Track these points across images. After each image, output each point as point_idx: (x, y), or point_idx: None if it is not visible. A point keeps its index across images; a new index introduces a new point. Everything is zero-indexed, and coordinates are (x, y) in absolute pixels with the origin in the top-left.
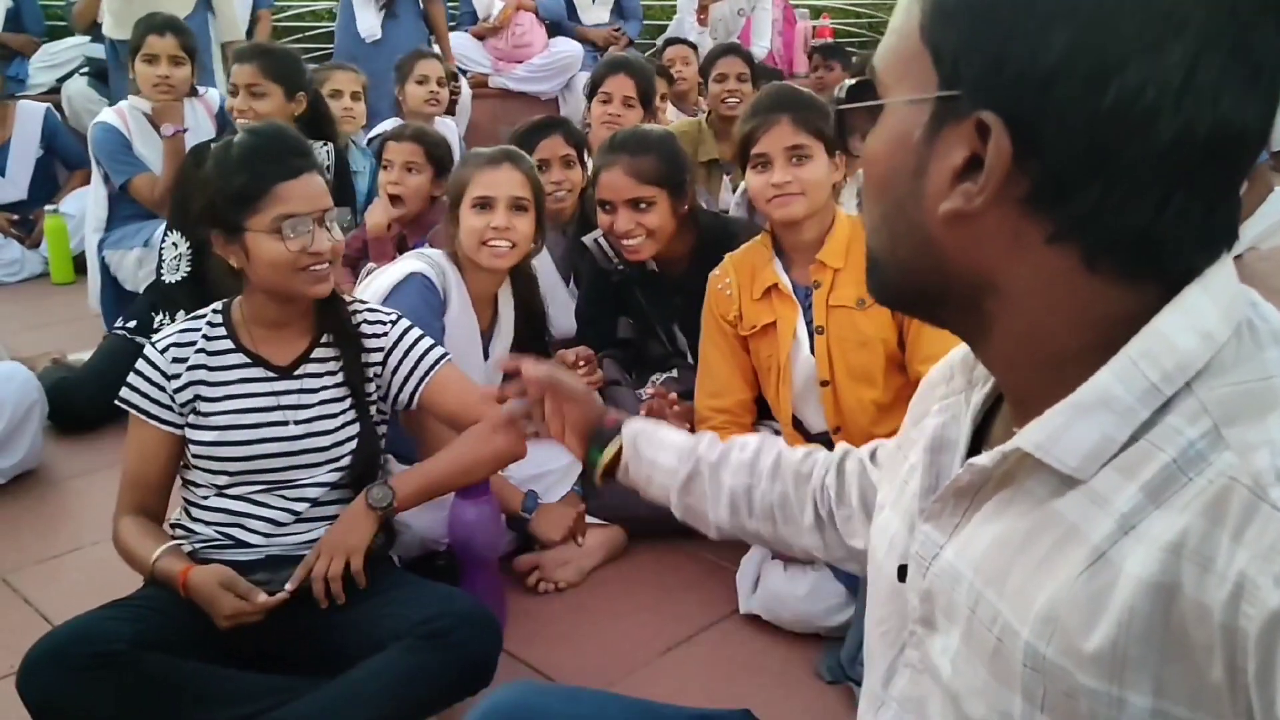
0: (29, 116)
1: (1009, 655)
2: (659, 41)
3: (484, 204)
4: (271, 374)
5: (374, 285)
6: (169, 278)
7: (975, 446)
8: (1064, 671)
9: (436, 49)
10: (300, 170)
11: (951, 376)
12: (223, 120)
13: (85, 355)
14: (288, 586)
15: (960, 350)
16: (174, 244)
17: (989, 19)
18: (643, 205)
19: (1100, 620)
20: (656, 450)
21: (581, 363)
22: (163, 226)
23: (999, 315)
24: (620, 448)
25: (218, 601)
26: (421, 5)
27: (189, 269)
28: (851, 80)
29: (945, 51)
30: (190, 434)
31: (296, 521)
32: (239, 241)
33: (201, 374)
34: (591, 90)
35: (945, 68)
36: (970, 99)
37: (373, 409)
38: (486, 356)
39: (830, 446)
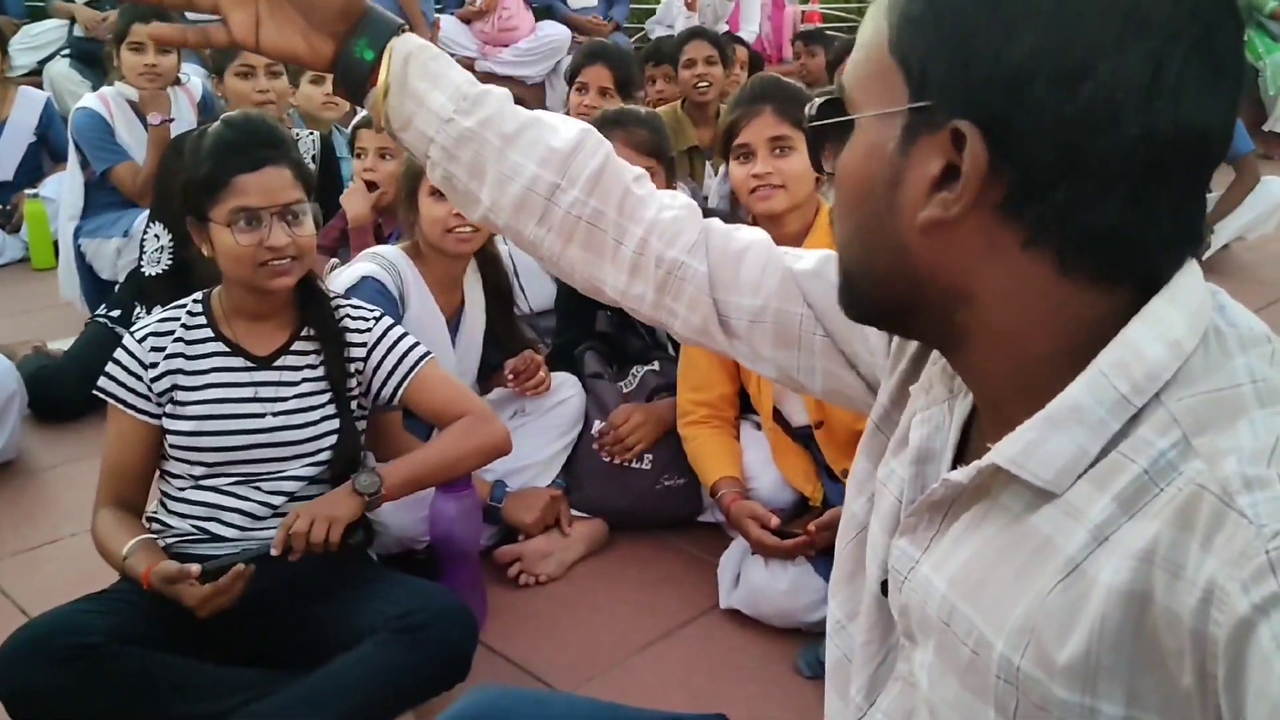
0: (29, 102)
1: (982, 668)
2: (646, 25)
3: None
4: (250, 364)
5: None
6: (149, 270)
7: (961, 456)
8: (1037, 683)
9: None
10: (263, 162)
11: (930, 386)
12: (205, 109)
13: (66, 343)
14: (273, 552)
15: (940, 360)
16: (156, 235)
17: (955, 25)
18: None
19: (1074, 631)
20: (428, 83)
21: (516, 373)
22: (143, 216)
23: (972, 325)
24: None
25: (181, 594)
26: None
27: (170, 261)
28: (820, 98)
29: (914, 62)
30: (168, 424)
31: (273, 516)
32: (206, 230)
33: (179, 363)
34: (570, 78)
35: (915, 79)
36: (943, 108)
37: (353, 404)
38: (454, 345)
39: (812, 439)
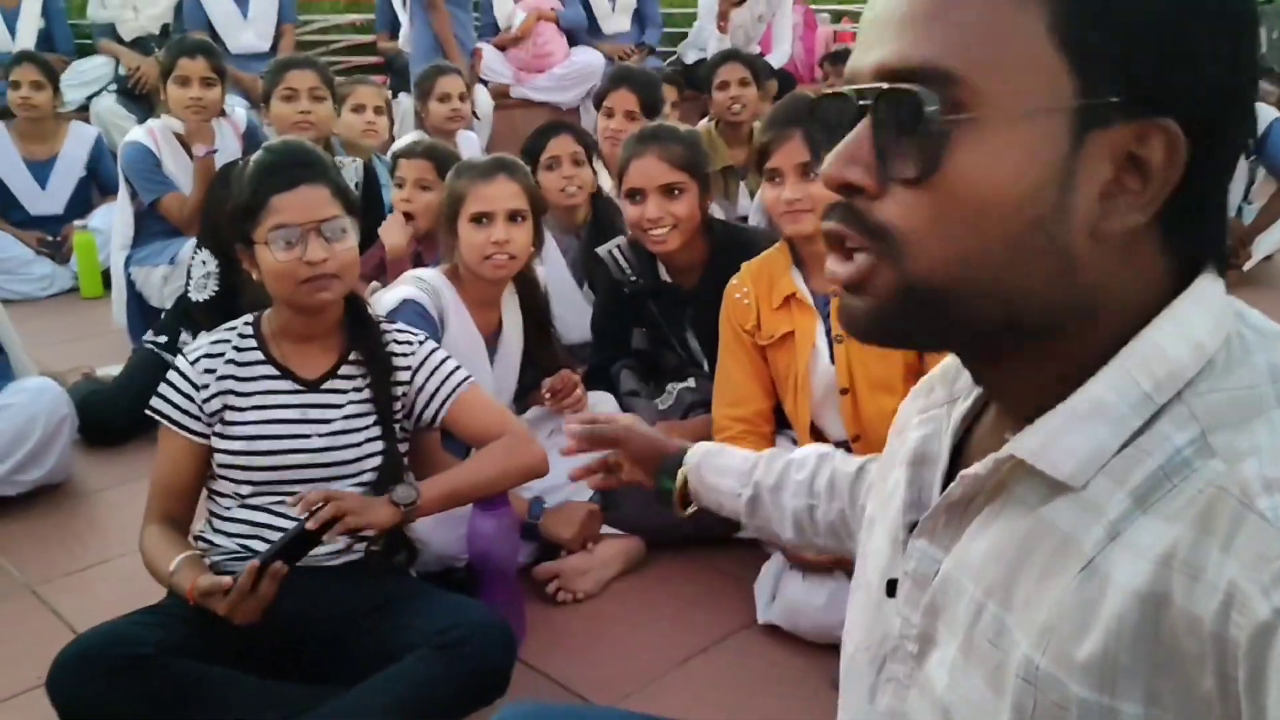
0: (81, 137)
1: (1006, 667)
2: (678, 49)
3: (482, 218)
4: (299, 386)
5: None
6: (196, 295)
7: (955, 461)
8: (1056, 681)
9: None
10: (298, 181)
11: (931, 389)
12: (249, 139)
13: (114, 369)
14: (309, 525)
15: (940, 364)
16: (203, 261)
17: (1167, 14)
18: (674, 192)
19: (1091, 629)
20: (718, 476)
21: (553, 391)
22: (190, 243)
23: (1080, 333)
24: (686, 478)
25: (215, 606)
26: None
27: (217, 287)
28: (884, 84)
29: (1097, 54)
30: (217, 443)
31: (327, 528)
32: (252, 254)
33: (230, 384)
34: (597, 104)
35: (1093, 71)
36: (1140, 105)
37: (397, 429)
38: (493, 365)
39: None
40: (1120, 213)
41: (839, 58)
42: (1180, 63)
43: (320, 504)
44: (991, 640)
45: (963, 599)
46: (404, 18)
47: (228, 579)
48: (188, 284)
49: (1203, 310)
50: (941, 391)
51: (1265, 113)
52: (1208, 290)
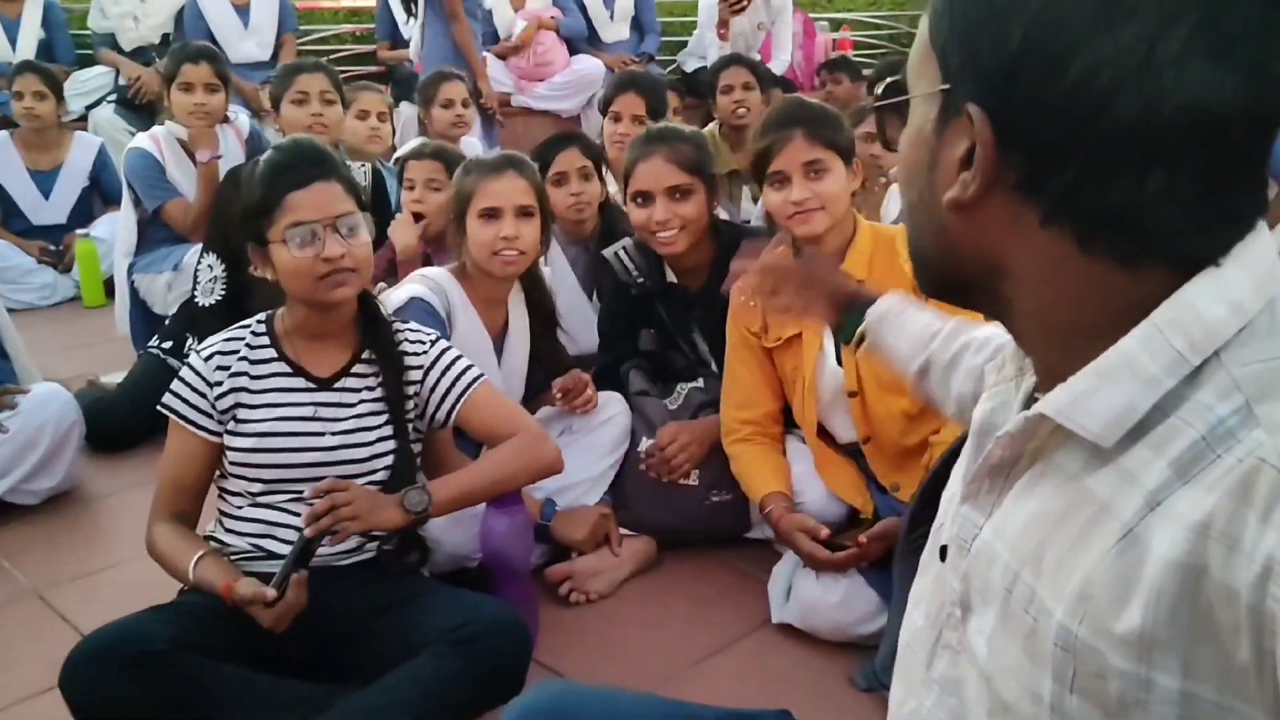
0: (84, 147)
1: (1042, 635)
2: (677, 58)
3: (491, 214)
4: (311, 384)
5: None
6: (203, 300)
7: None
8: (1095, 652)
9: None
10: (312, 178)
11: (1003, 365)
12: (253, 145)
13: (118, 377)
14: (307, 533)
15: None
16: (209, 266)
17: (964, 15)
18: (681, 194)
19: (1129, 600)
20: (896, 338)
21: (564, 391)
22: (194, 250)
23: (1014, 298)
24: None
25: (257, 616)
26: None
27: (224, 292)
28: (888, 79)
29: (940, 49)
30: (229, 440)
31: (326, 534)
32: (267, 254)
33: (244, 381)
34: (604, 109)
35: (943, 66)
36: (961, 93)
37: (409, 428)
38: (500, 364)
39: (859, 457)
40: (964, 185)
41: (836, 65)
42: (976, 54)
43: (325, 508)
44: (1024, 608)
45: (996, 566)
46: (411, 29)
47: (273, 591)
48: (194, 289)
49: (1243, 269)
50: (1011, 367)
51: None
52: (1252, 249)
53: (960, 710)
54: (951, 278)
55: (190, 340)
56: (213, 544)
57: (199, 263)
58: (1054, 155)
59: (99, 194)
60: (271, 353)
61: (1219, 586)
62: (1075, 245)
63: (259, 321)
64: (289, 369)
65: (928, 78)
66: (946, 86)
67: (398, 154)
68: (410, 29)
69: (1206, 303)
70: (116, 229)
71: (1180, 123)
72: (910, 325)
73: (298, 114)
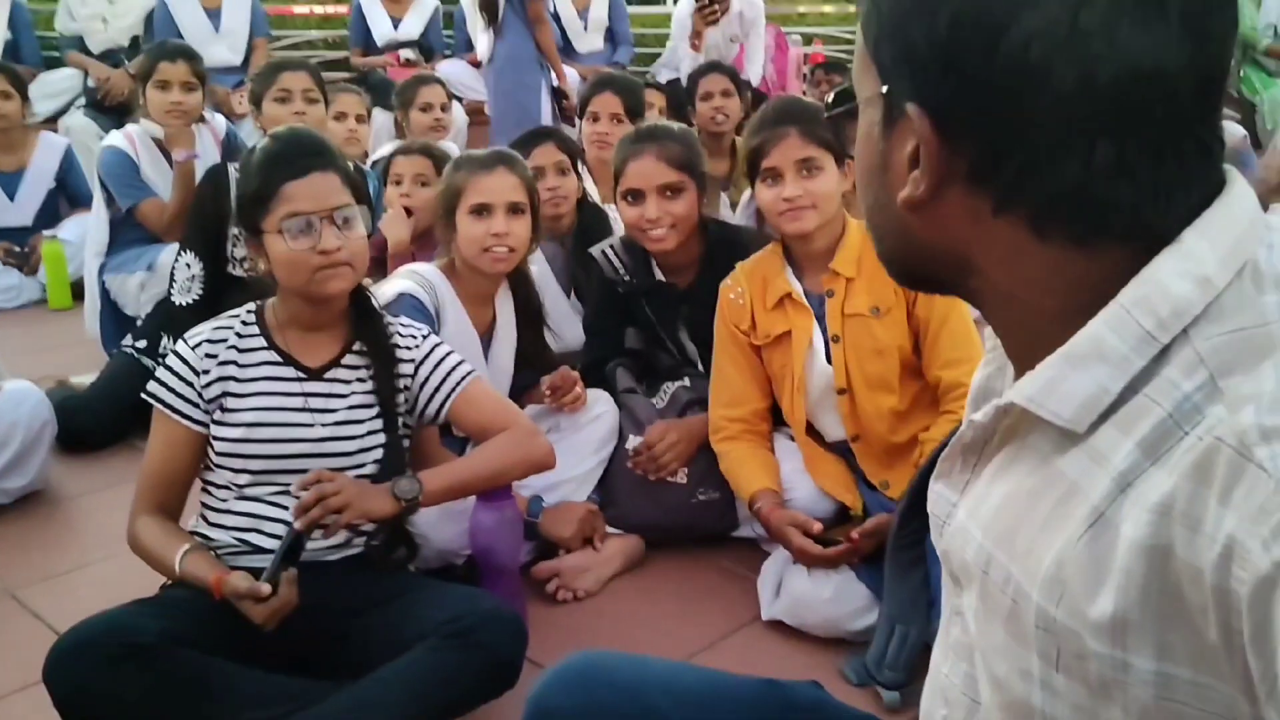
0: (50, 149)
1: (1022, 616)
2: (651, 69)
3: (481, 210)
4: (301, 374)
5: None
6: (180, 299)
7: None
8: (1073, 634)
9: (439, 73)
10: (308, 169)
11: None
12: (228, 145)
13: (88, 379)
14: (296, 526)
15: None
16: (187, 265)
17: (889, 13)
18: (672, 191)
19: (1102, 584)
20: None
21: (553, 389)
22: (168, 250)
23: (982, 289)
24: None
25: (249, 611)
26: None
27: (201, 291)
28: (837, 88)
29: (873, 50)
30: (215, 430)
31: (314, 527)
32: (261, 244)
33: (232, 369)
34: (581, 110)
35: (879, 66)
36: (898, 92)
37: (399, 422)
38: (487, 360)
39: (849, 455)
40: (915, 184)
41: (830, 67)
42: (907, 50)
43: (313, 499)
44: (1001, 589)
45: (970, 546)
46: (478, 34)
47: (267, 587)
48: (170, 288)
49: (1210, 242)
50: None
51: (1232, 130)
52: (1221, 219)
53: (972, 676)
54: (921, 274)
55: (165, 340)
56: (196, 539)
57: (176, 261)
58: (997, 141)
59: (65, 196)
60: (261, 341)
61: (1185, 567)
62: (1030, 231)
63: (248, 311)
64: (279, 358)
65: (869, 81)
66: (885, 88)
67: (373, 158)
68: (399, 32)
69: (1172, 279)
70: (84, 230)
71: (1120, 90)
72: None
73: (280, 112)
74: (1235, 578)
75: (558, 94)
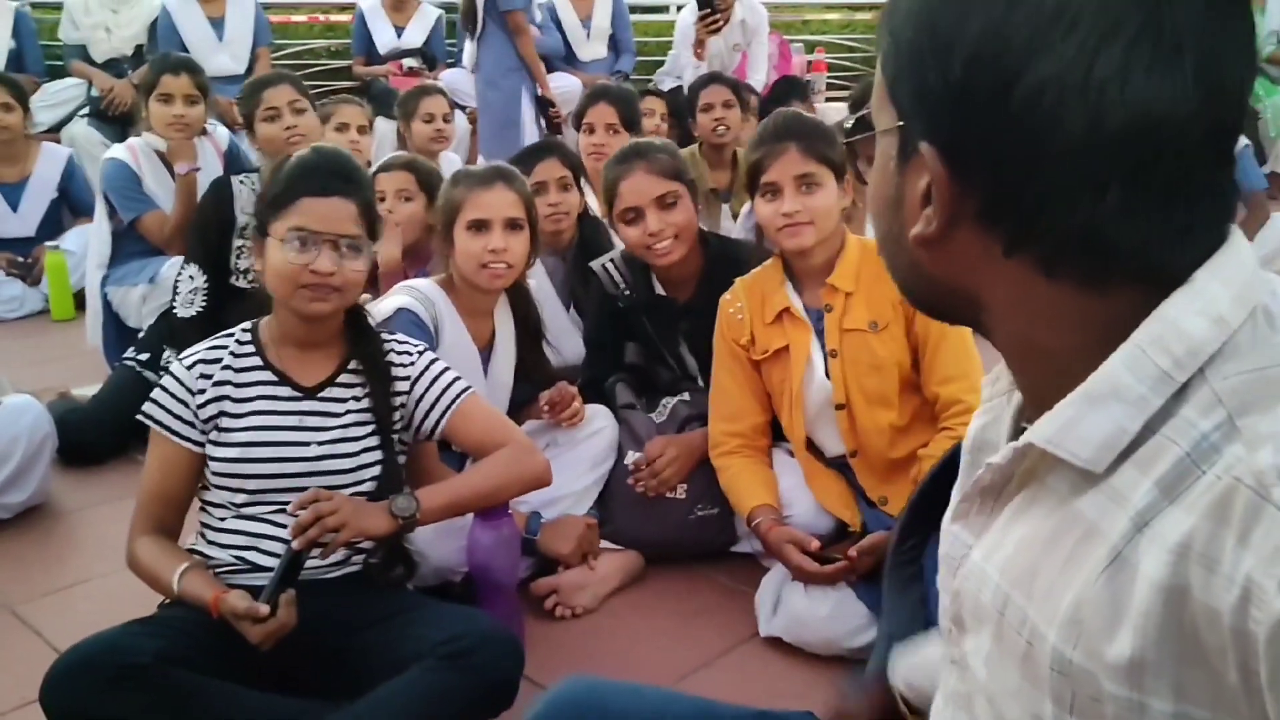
0: (52, 158)
1: (1038, 658)
2: (654, 77)
3: (479, 226)
4: (297, 393)
5: None
6: (182, 311)
7: None
8: (1089, 675)
9: (442, 83)
10: (331, 191)
11: (997, 379)
12: (230, 157)
13: (90, 390)
14: (295, 545)
15: None
16: (190, 277)
17: (907, 50)
18: (669, 201)
19: (1120, 624)
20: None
21: (552, 404)
22: (170, 263)
23: (994, 325)
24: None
25: (246, 631)
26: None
27: (204, 303)
28: (858, 113)
29: (890, 86)
30: (212, 450)
31: (312, 545)
32: (264, 245)
33: (227, 389)
34: (577, 124)
35: (895, 102)
36: (913, 129)
37: (396, 439)
38: (486, 375)
39: (847, 469)
40: (927, 221)
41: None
42: (922, 88)
43: (310, 519)
44: (1017, 630)
45: (986, 588)
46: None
47: (265, 607)
48: (173, 300)
49: (1222, 282)
50: (1005, 381)
51: None
52: (1231, 262)
53: None
54: (934, 306)
55: (168, 353)
56: (196, 557)
57: (179, 274)
58: (1009, 183)
59: (68, 206)
60: (256, 360)
61: (1202, 608)
62: (1040, 271)
63: (243, 330)
64: (274, 377)
65: (886, 115)
66: (900, 124)
67: (375, 168)
68: (401, 41)
69: (1187, 318)
70: (87, 241)
71: (1131, 135)
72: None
73: (273, 130)
74: (1253, 619)
75: (544, 103)
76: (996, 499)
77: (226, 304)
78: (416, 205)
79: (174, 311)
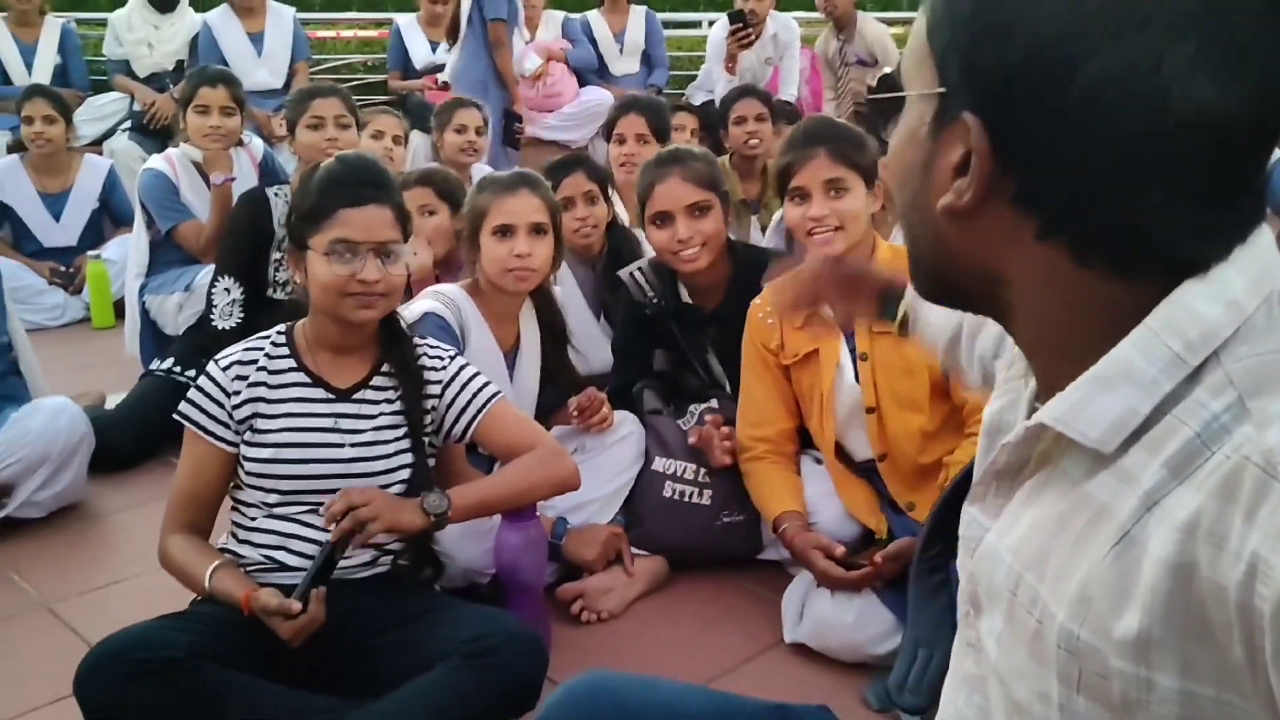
0: (93, 170)
1: (1046, 637)
2: (686, 92)
3: (504, 231)
4: (330, 395)
5: None
6: (221, 324)
7: None
8: (1097, 653)
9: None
10: (367, 199)
11: (1012, 362)
12: (265, 168)
13: (120, 397)
14: (322, 513)
15: None
16: (226, 289)
17: (966, 22)
18: (700, 210)
19: (1128, 602)
20: (929, 308)
21: (580, 409)
22: (205, 271)
23: (1013, 305)
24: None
25: (277, 627)
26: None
27: (242, 315)
28: (883, 71)
29: (939, 53)
30: (246, 450)
31: (347, 541)
32: (303, 259)
33: (262, 391)
34: (607, 134)
35: (939, 68)
36: (957, 99)
37: (426, 442)
38: (512, 379)
39: (875, 474)
40: (958, 194)
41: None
42: (976, 63)
43: (343, 507)
44: (1028, 610)
45: (1000, 568)
46: (439, 56)
47: (298, 604)
48: (209, 312)
49: (1238, 270)
50: (1021, 364)
51: None
52: (1249, 251)
53: (986, 708)
54: (949, 282)
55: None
56: (227, 555)
57: (213, 286)
58: (1054, 168)
59: (109, 216)
60: (291, 363)
61: (1209, 585)
62: (1070, 258)
63: (278, 332)
64: (308, 379)
65: (924, 78)
66: (943, 90)
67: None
68: (437, 56)
69: (1202, 303)
70: (127, 250)
71: (1184, 133)
72: None
73: (313, 138)
74: (1259, 595)
75: (511, 116)
76: (1012, 481)
77: (263, 316)
78: (441, 217)
79: (211, 323)
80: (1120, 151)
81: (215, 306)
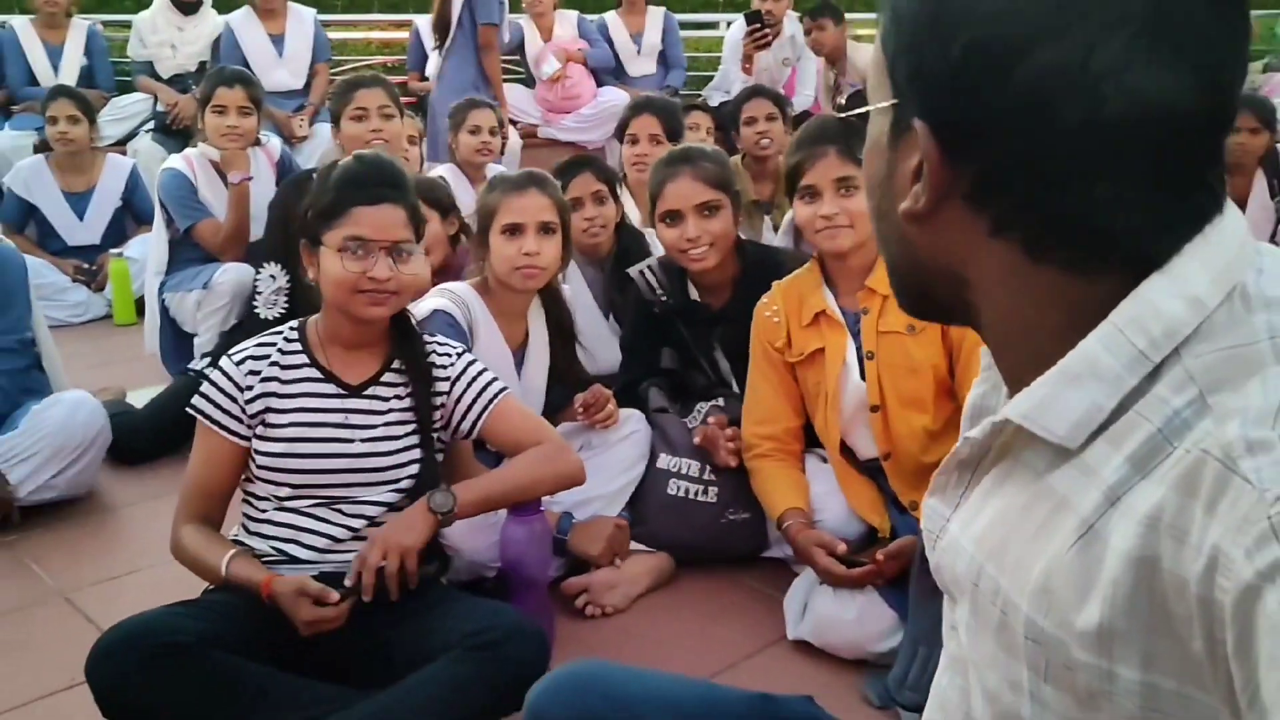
0: (116, 169)
1: (1013, 627)
2: (703, 92)
3: (513, 229)
4: (342, 391)
5: None
6: (265, 312)
7: None
8: (1061, 644)
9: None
10: (382, 199)
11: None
12: (283, 168)
13: (145, 394)
14: (346, 582)
15: None
16: (272, 276)
17: (908, 28)
18: (709, 210)
19: (1090, 594)
20: None
21: (586, 406)
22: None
23: (978, 305)
24: None
25: (299, 609)
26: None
27: (287, 304)
28: (853, 88)
29: (890, 58)
30: (257, 445)
31: (352, 539)
32: (316, 254)
33: (274, 386)
34: (620, 134)
35: (891, 75)
36: (908, 107)
37: (435, 438)
38: (520, 377)
39: (880, 474)
40: (915, 198)
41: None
42: (920, 67)
43: (359, 569)
44: (991, 601)
45: (961, 559)
46: (430, 53)
47: (336, 594)
48: (254, 302)
49: (1202, 264)
50: None
51: None
52: (1214, 241)
53: (966, 690)
54: (921, 288)
55: None
56: (241, 545)
57: (258, 273)
58: (999, 166)
59: (131, 215)
60: (303, 358)
61: (1171, 578)
62: (1024, 254)
63: (290, 328)
64: (320, 374)
65: (882, 90)
66: (895, 101)
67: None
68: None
69: (1164, 299)
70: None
71: (1126, 127)
72: None
73: (357, 129)
74: (1219, 587)
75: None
76: (973, 472)
77: (306, 301)
78: (432, 224)
79: (255, 312)
80: (1063, 145)
81: (259, 294)
